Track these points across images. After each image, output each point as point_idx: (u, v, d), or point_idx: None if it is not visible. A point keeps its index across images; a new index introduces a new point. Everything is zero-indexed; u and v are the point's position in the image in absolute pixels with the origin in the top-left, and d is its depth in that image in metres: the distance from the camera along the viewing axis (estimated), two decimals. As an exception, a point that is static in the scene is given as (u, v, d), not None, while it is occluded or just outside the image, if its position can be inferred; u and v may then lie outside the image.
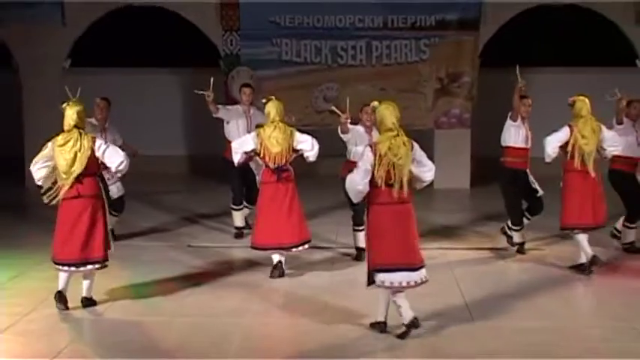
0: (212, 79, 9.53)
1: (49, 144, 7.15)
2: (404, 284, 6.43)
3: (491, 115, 10.04)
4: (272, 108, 8.23)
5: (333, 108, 8.52)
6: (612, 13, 13.38)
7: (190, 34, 13.85)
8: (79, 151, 7.03)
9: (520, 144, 8.90)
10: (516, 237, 9.19)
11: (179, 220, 11.02)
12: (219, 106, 9.83)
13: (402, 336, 6.45)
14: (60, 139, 7.11)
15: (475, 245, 9.62)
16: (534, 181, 9.00)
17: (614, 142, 8.46)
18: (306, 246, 8.34)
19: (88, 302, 7.28)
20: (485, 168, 11.81)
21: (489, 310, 7.20)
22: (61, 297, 7.17)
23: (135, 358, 6.08)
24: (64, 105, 7.23)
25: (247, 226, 9.92)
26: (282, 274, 8.18)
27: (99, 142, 7.20)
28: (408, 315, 6.42)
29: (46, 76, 13.13)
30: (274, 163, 8.15)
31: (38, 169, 7.17)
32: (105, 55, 15.08)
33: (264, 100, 8.44)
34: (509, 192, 9.10)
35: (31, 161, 7.27)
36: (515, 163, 8.95)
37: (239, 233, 9.91)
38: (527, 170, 9.00)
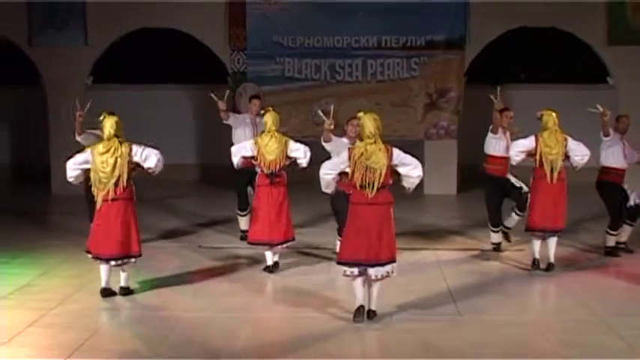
0: (227, 92, 9.83)
1: (88, 149, 7.26)
2: (356, 273, 6.60)
3: (476, 127, 10.05)
4: (269, 118, 8.30)
5: (319, 112, 8.52)
6: (586, 35, 13.45)
7: (201, 53, 13.88)
8: (120, 157, 7.13)
9: (500, 153, 8.90)
10: (494, 237, 9.24)
11: (191, 223, 11.02)
12: (230, 114, 9.94)
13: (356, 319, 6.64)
14: (101, 147, 7.19)
15: (461, 246, 9.62)
16: (517, 180, 8.98)
17: (580, 152, 8.31)
18: (290, 244, 8.47)
19: (126, 291, 7.40)
20: (471, 175, 11.83)
21: (475, 306, 7.22)
22: (106, 291, 7.33)
23: (150, 349, 6.11)
24: (101, 117, 7.32)
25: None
26: (271, 270, 8.34)
27: (135, 147, 7.28)
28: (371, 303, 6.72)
29: (70, 92, 13.06)
30: (269, 169, 8.23)
31: (73, 169, 7.29)
32: (123, 72, 15.11)
33: (262, 112, 8.53)
34: (490, 197, 9.15)
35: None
36: (495, 170, 8.98)
37: (244, 236, 9.86)
38: (508, 176, 8.98)
